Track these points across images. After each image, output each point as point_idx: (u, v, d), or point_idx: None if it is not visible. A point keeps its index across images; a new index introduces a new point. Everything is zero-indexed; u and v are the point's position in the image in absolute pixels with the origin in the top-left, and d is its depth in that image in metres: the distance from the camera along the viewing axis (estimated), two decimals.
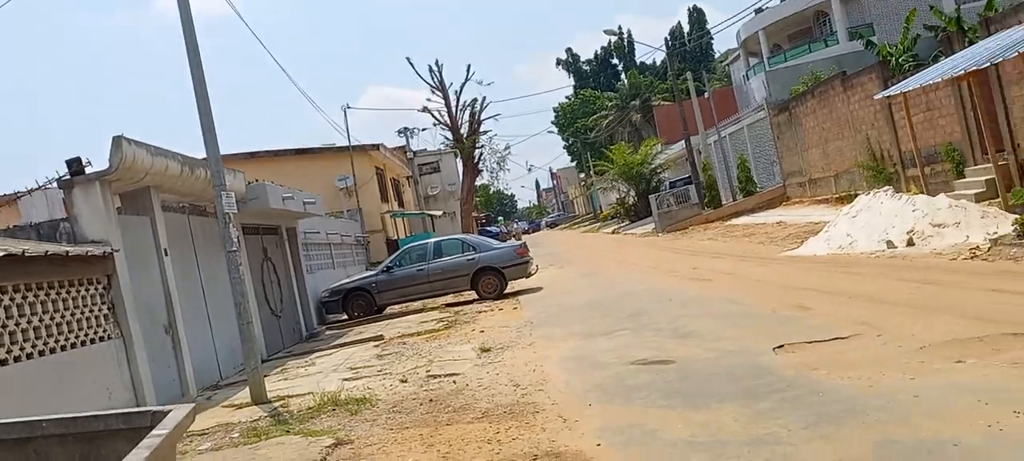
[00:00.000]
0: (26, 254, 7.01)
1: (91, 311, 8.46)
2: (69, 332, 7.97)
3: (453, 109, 30.78)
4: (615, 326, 10.70)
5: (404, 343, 12.73)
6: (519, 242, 18.97)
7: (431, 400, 7.74)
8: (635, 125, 66.96)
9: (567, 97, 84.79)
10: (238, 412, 8.64)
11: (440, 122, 30.78)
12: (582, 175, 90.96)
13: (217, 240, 12.89)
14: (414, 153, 38.99)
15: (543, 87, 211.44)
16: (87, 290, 8.46)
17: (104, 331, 8.65)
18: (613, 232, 44.08)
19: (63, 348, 7.79)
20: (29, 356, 7.21)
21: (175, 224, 11.37)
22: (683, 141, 36.17)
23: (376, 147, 30.32)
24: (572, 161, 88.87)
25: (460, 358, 10.34)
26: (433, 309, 17.81)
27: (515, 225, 65.26)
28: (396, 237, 31.23)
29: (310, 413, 7.88)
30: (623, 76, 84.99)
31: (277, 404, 8.75)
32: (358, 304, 18.34)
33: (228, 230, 9.01)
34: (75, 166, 8.87)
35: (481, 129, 31.29)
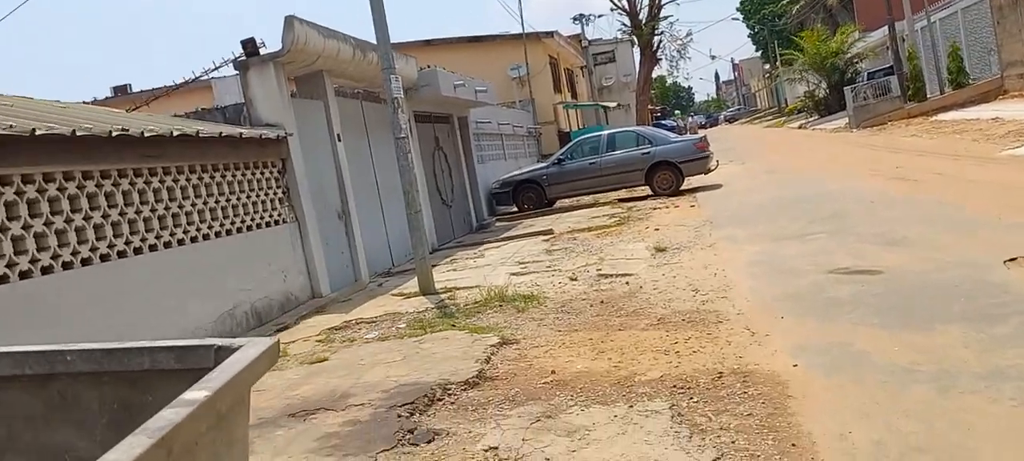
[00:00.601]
0: (200, 135, 7.00)
1: (267, 194, 8.51)
2: (245, 214, 8.04)
3: None
4: (808, 229, 9.64)
5: (574, 238, 12.26)
6: (698, 136, 17.80)
7: (602, 302, 7.20)
8: (830, 10, 61.55)
9: None
10: (406, 302, 8.53)
11: (618, 6, 29.33)
12: (767, 66, 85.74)
13: (389, 127, 12.85)
14: (589, 42, 37.72)
15: None
16: (263, 173, 8.51)
17: (279, 214, 8.71)
18: (800, 127, 41.25)
19: (239, 230, 7.88)
20: (206, 237, 7.32)
21: (348, 110, 11.32)
22: (885, 28, 32.64)
23: (550, 35, 29.45)
24: (757, 51, 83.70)
25: (633, 257, 9.73)
26: (605, 204, 17.22)
27: (691, 119, 62.67)
28: (568, 129, 30.60)
29: (476, 307, 7.59)
30: None
31: (444, 296, 8.56)
32: (528, 196, 18.04)
33: (397, 116, 8.73)
34: (250, 47, 8.83)
35: (661, 14, 29.58)
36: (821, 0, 63.06)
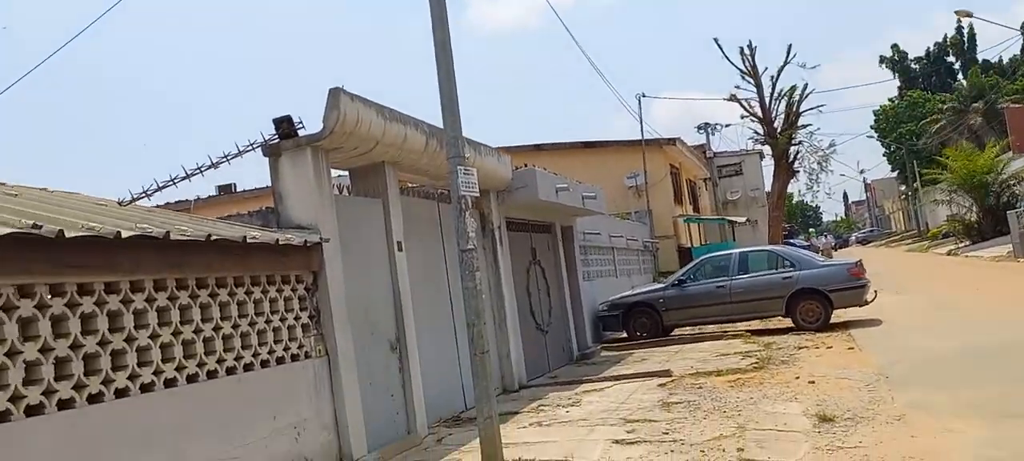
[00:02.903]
0: (172, 237, 4.88)
1: (283, 319, 6.31)
2: (244, 347, 5.83)
3: (766, 98, 26.55)
4: None
5: (699, 386, 9.49)
6: (852, 260, 14.75)
7: None
8: (974, 130, 56.99)
9: (890, 99, 75.18)
10: None
11: (750, 113, 26.65)
12: (902, 187, 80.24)
13: (478, 236, 10.62)
14: (714, 153, 35.15)
15: (852, 91, 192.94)
16: (280, 291, 6.33)
17: (300, 346, 6.47)
18: (948, 253, 36.81)
19: (231, 370, 5.65)
20: (171, 382, 5.09)
21: (418, 212, 9.17)
22: None
23: (672, 142, 27.03)
24: (893, 171, 78.56)
25: (787, 428, 6.93)
26: (733, 336, 14.30)
27: (824, 239, 58.18)
28: (689, 245, 27.78)
29: None
30: (959, 76, 73.72)
31: None
32: (641, 322, 15.35)
33: (464, 219, 6.43)
34: (284, 127, 6.83)
35: (799, 123, 26.67)
36: (965, 119, 58.66)
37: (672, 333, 15.54)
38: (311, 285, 6.76)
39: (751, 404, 8.11)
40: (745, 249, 16.16)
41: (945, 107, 61.23)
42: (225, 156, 6.83)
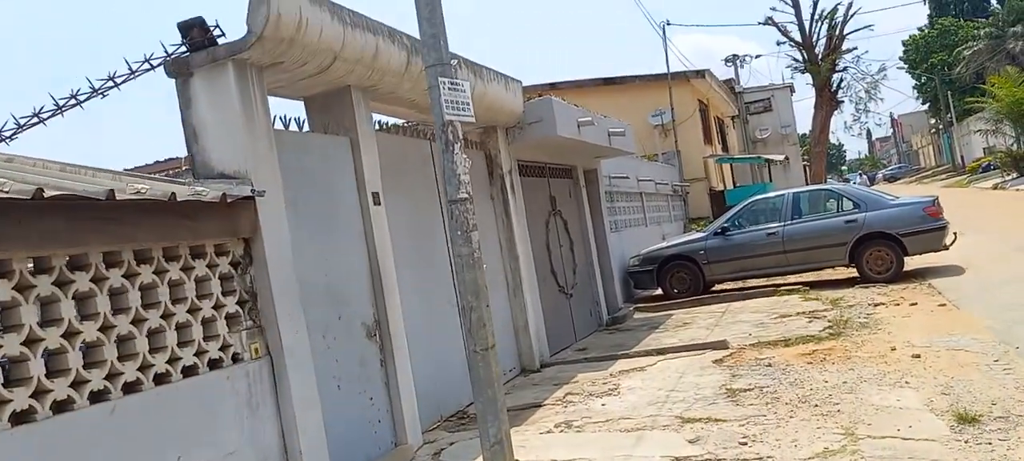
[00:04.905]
0: (45, 195, 2.90)
1: (194, 312, 4.34)
2: (132, 357, 3.87)
3: (805, 20, 24.00)
4: None
5: (768, 364, 7.48)
6: (929, 198, 12.59)
7: None
8: (1014, 57, 53.74)
9: (920, 29, 71.69)
10: None
11: (787, 38, 24.14)
12: (932, 120, 76.92)
13: (485, 186, 8.59)
14: (743, 88, 32.63)
15: (884, 18, 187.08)
16: (188, 271, 4.35)
17: (224, 347, 4.51)
18: (994, 187, 34.36)
19: (100, 396, 3.70)
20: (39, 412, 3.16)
21: (403, 153, 7.13)
22: None
23: (701, 74, 24.57)
24: (923, 104, 75.29)
25: (914, 434, 4.93)
26: (787, 290, 12.26)
27: (858, 177, 55.56)
28: (722, 188, 25.54)
29: None
30: (994, 2, 70.04)
31: None
32: (679, 277, 13.30)
33: (452, 155, 4.40)
34: (195, 34, 4.78)
35: (843, 47, 24.07)
36: (1003, 45, 55.41)
37: (712, 288, 13.53)
38: (241, 258, 4.77)
39: (848, 391, 6.10)
40: (799, 190, 13.99)
41: (981, 33, 57.97)
42: (110, 79, 4.79)
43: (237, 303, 4.67)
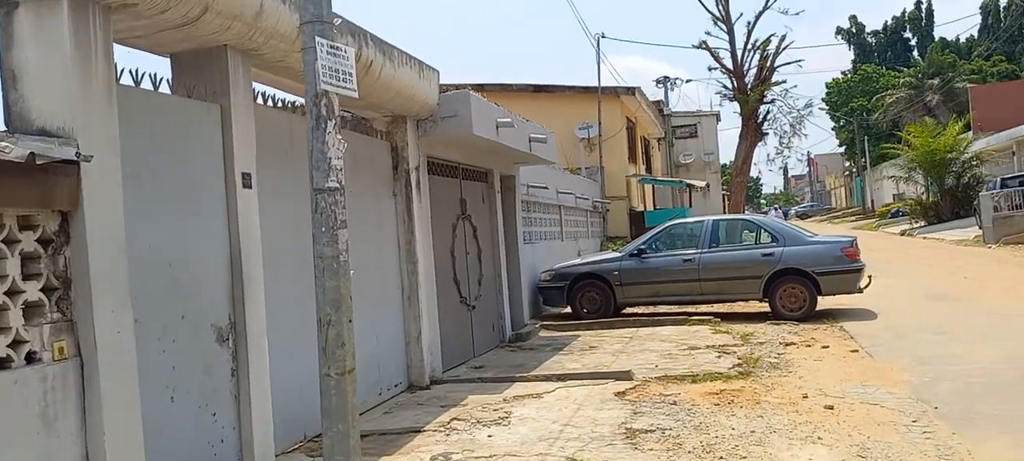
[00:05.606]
0: None
1: None
2: None
3: (738, 49, 23.97)
4: None
5: (673, 402, 6.94)
6: (847, 238, 12.40)
7: None
8: (931, 109, 55.84)
9: (843, 72, 74.08)
10: None
11: (720, 64, 24.05)
12: (848, 163, 79.53)
13: (379, 175, 7.82)
14: (670, 112, 32.62)
15: (811, 57, 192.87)
16: None
17: (16, 343, 3.63)
18: (902, 234, 35.34)
19: None
20: None
21: (291, 130, 6.30)
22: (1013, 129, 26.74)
23: (631, 92, 24.22)
24: (840, 146, 77.69)
25: None
26: (698, 320, 11.85)
27: (774, 211, 56.78)
28: (642, 208, 25.28)
29: None
30: (915, 53, 72.91)
31: None
32: (590, 296, 12.77)
33: (322, 135, 3.63)
34: None
35: (773, 79, 24.13)
36: (921, 97, 57.52)
37: (624, 311, 13.05)
38: (54, 235, 3.88)
39: (756, 443, 5.57)
40: (718, 217, 13.66)
41: (901, 83, 60.10)
42: None
43: (42, 290, 3.78)
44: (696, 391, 7.33)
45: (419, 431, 6.29)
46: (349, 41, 6.14)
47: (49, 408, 3.70)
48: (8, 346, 3.58)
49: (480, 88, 21.53)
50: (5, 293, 3.59)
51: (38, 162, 3.59)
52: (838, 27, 77.17)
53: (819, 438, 5.65)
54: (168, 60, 5.30)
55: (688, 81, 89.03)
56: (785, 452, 5.35)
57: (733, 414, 6.43)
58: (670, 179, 29.79)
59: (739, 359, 8.78)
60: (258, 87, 6.05)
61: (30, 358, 3.69)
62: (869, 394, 6.90)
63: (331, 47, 3.64)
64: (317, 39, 3.58)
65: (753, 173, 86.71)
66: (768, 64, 24.01)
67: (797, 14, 43.86)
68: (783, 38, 23.92)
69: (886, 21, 76.02)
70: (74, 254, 3.93)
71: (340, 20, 4.07)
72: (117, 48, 4.92)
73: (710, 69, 25.69)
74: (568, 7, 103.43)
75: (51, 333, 3.79)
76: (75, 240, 3.93)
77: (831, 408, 6.46)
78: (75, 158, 3.83)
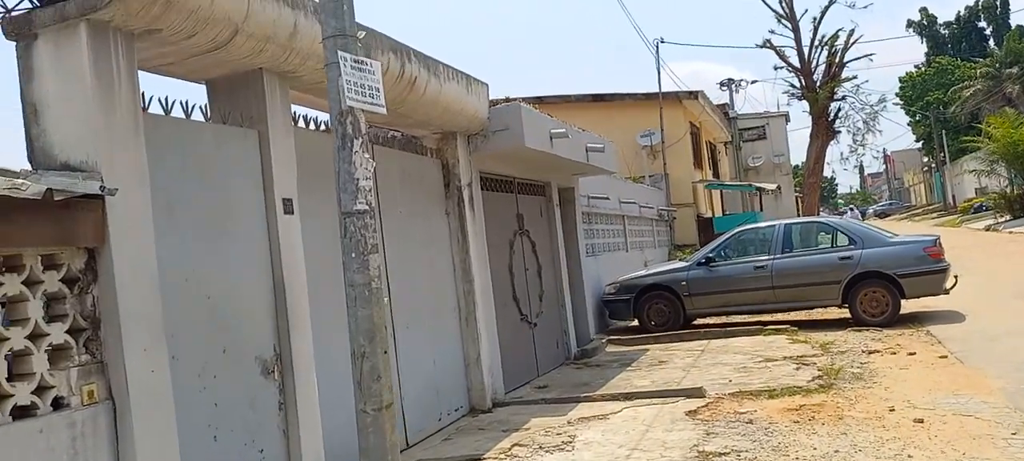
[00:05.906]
0: None
1: (10, 338, 3.30)
2: None
3: (804, 45, 23.08)
4: None
5: (749, 420, 6.48)
6: (930, 237, 11.66)
7: None
8: (1011, 99, 53.25)
9: (916, 66, 71.28)
10: None
11: (786, 63, 23.21)
12: (926, 158, 76.45)
13: (429, 190, 7.58)
14: (736, 114, 31.74)
15: (882, 50, 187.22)
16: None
17: (41, 389, 3.47)
18: (987, 229, 33.63)
19: None
20: None
21: (323, 151, 6.09)
22: None
23: (693, 96, 23.58)
24: (917, 141, 74.81)
25: None
26: (774, 329, 11.26)
27: (850, 211, 54.96)
28: (710, 215, 24.59)
29: None
30: (991, 42, 69.73)
31: None
32: (657, 308, 12.30)
33: (349, 155, 3.39)
34: None
35: (843, 74, 23.15)
36: (999, 89, 54.91)
37: (693, 322, 12.53)
38: (80, 273, 3.73)
39: None
40: (790, 221, 13.02)
41: (978, 74, 57.53)
42: None
43: (69, 331, 3.62)
44: (773, 407, 6.85)
45: (478, 459, 5.99)
46: (390, 58, 5.95)
47: (78, 456, 3.53)
48: (33, 393, 3.42)
49: (540, 101, 21.31)
50: (28, 337, 3.44)
51: (58, 198, 3.44)
52: (909, 20, 74.24)
53: (909, 456, 5.15)
54: (204, 87, 5.16)
55: (753, 82, 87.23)
56: None
57: (814, 432, 5.95)
58: (738, 183, 28.94)
59: (819, 370, 8.24)
60: (299, 110, 5.88)
61: (57, 404, 3.53)
62: (962, 405, 6.32)
63: (355, 61, 3.40)
64: (340, 53, 3.35)
65: (827, 173, 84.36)
66: (837, 60, 23.03)
67: (865, 7, 42.35)
68: (851, 32, 22.95)
69: (958, 12, 72.98)
70: (102, 292, 3.77)
71: (364, 33, 3.83)
72: (153, 77, 4.84)
73: (776, 68, 24.95)
74: (626, 17, 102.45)
75: (79, 376, 3.62)
76: (103, 277, 3.77)
77: (921, 422, 5.92)
78: (99, 192, 3.67)
